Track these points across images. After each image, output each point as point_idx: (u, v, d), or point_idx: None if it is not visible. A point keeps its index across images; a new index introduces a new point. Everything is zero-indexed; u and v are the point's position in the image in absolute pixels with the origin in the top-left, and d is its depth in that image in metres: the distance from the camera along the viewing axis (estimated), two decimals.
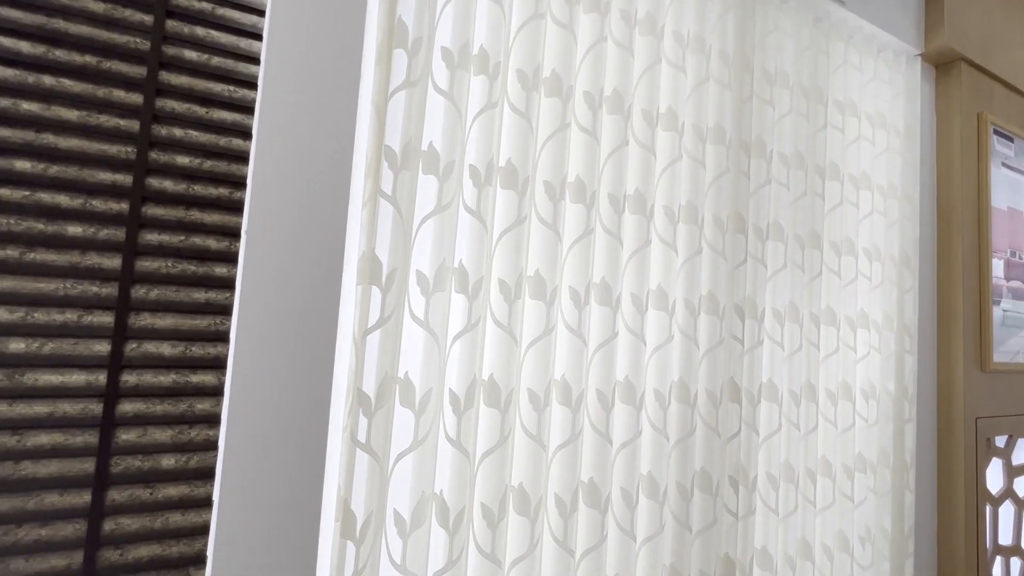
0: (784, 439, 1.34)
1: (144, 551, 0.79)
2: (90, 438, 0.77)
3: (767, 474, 1.30)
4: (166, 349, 0.82)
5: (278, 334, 0.85)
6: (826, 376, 1.43)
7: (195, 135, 0.84)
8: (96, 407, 0.77)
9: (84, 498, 0.76)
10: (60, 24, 0.77)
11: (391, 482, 0.90)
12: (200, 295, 0.84)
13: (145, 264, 0.81)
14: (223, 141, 0.86)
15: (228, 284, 0.85)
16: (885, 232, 1.54)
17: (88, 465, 0.76)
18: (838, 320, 1.44)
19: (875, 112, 1.54)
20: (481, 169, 0.98)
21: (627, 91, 1.12)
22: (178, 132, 0.83)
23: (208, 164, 0.85)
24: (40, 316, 0.75)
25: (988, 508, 1.65)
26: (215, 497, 0.80)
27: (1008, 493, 1.71)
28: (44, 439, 0.74)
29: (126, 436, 0.79)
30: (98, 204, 0.78)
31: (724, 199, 1.24)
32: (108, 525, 0.77)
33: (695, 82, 1.22)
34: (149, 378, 0.80)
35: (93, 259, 0.78)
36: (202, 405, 0.83)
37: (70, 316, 0.76)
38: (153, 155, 0.82)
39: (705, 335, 1.22)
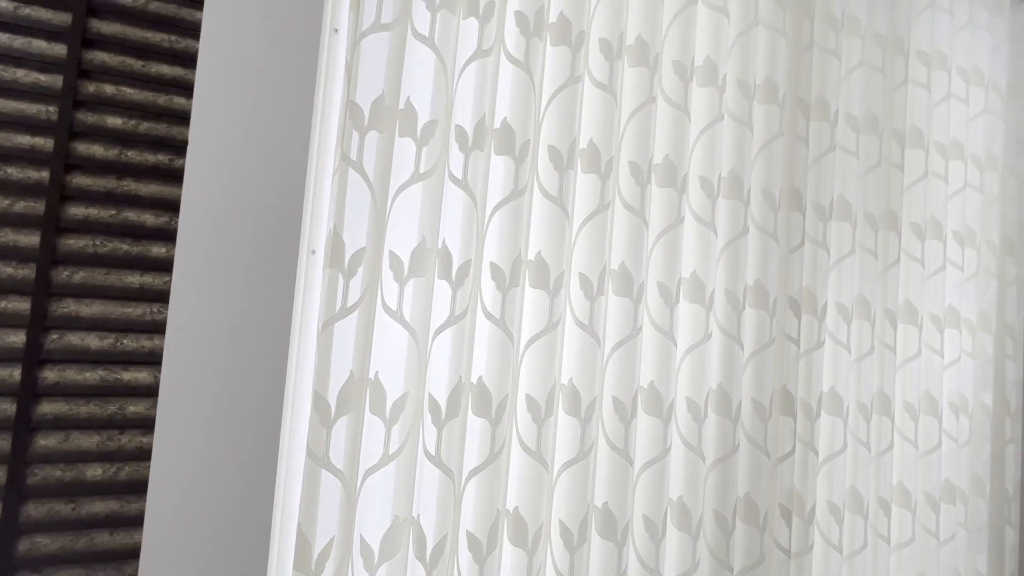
0: (850, 461, 1.11)
1: (65, 574, 0.68)
2: (1, 443, 0.66)
3: (828, 503, 1.08)
4: (92, 341, 0.70)
5: (220, 326, 0.72)
6: (904, 386, 1.18)
7: (129, 92, 0.72)
8: (9, 407, 0.67)
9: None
10: None
11: (358, 505, 0.75)
12: (134, 279, 0.72)
13: (69, 242, 0.69)
14: (162, 99, 0.74)
15: (167, 266, 0.73)
16: (981, 212, 1.27)
17: None
18: (920, 318, 1.19)
19: (969, 66, 1.27)
20: (469, 131, 0.82)
21: (654, 39, 0.93)
22: (109, 89, 0.72)
23: (144, 126, 0.73)
24: None
25: None
26: (145, 517, 0.68)
27: None
28: None
29: (45, 441, 0.68)
30: (14, 172, 0.68)
31: (776, 170, 1.03)
32: (23, 545, 0.67)
33: (740, 28, 1.01)
34: (72, 375, 0.69)
35: (7, 235, 0.67)
36: (135, 407, 0.71)
37: None
38: (79, 116, 0.70)
39: (751, 334, 1.01)
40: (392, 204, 0.78)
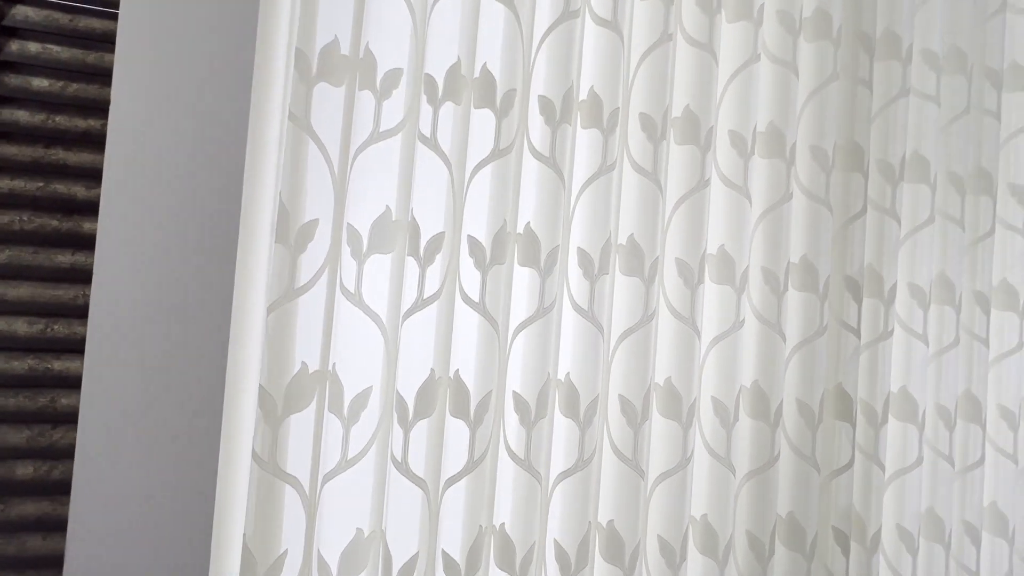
0: (927, 478, 0.91)
1: None
2: None
3: (897, 528, 0.89)
4: (21, 327, 0.64)
5: (149, 310, 0.64)
6: (999, 386, 0.96)
7: (56, 50, 0.65)
8: None
9: None
10: None
11: (318, 515, 0.66)
12: (64, 258, 0.66)
13: None
14: (92, 57, 0.66)
15: None
16: None
17: None
18: (1021, 303, 0.96)
19: None
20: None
21: None
22: (33, 47, 0.65)
23: (73, 88, 0.65)
24: None
25: None
26: (68, 525, 0.61)
27: None
28: None
29: None
30: None
31: (829, 122, 0.84)
32: None
33: None
34: None
35: None
36: (68, 400, 0.64)
37: None
38: (3, 78, 0.64)
39: (797, 321, 0.84)
40: (353, 164, 0.67)
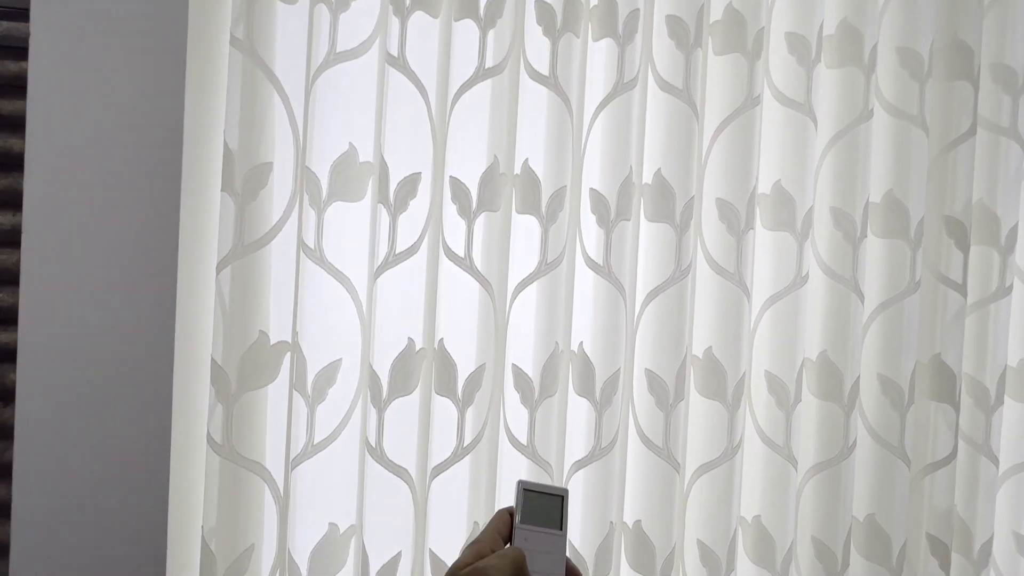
0: None
1: None
2: None
3: (1014, 536, 0.71)
4: None
5: (84, 273, 0.56)
6: None
7: None
8: None
9: None
10: None
11: (291, 503, 0.57)
12: (4, 219, 0.59)
13: None
14: None
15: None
16: None
17: None
18: None
19: None
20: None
21: None
22: None
23: (3, 27, 0.58)
24: None
25: None
26: (12, 512, 0.55)
27: None
28: None
29: None
30: None
31: (922, 18, 0.64)
32: None
33: None
34: None
35: None
36: (15, 375, 0.58)
37: None
38: None
39: (879, 276, 0.66)
40: (312, 93, 0.56)
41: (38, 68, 0.54)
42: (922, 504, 0.67)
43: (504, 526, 0.34)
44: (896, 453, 0.65)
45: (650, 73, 0.62)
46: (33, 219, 0.55)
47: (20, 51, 0.59)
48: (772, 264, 0.65)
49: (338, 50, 0.56)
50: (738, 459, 0.63)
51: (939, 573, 0.67)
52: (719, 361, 0.63)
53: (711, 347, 0.63)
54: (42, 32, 0.55)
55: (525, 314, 0.61)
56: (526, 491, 0.35)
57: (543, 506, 0.35)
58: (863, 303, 0.65)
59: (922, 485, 0.67)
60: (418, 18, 0.57)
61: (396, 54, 0.56)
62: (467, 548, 0.33)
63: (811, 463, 0.65)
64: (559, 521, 0.35)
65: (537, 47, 0.59)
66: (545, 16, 0.59)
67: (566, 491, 0.36)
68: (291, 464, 0.57)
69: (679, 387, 0.62)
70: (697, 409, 0.64)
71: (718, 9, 0.63)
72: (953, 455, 0.66)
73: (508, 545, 0.34)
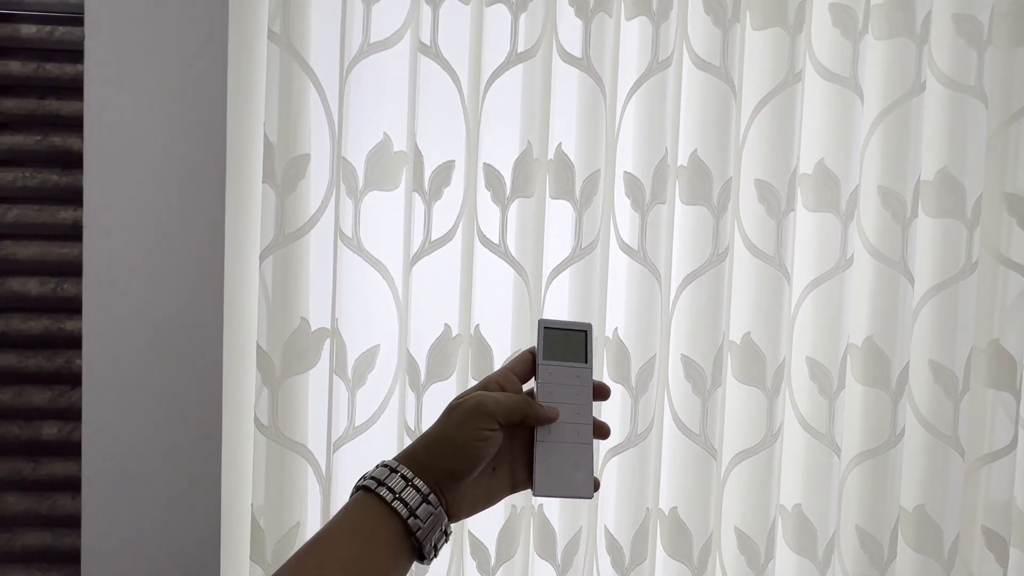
0: None
1: (33, 538, 0.63)
2: None
3: None
4: (33, 287, 0.62)
5: (140, 263, 0.59)
6: None
7: None
8: None
9: None
10: None
11: (333, 484, 0.59)
12: (67, 214, 0.63)
13: None
14: None
15: None
16: None
17: None
18: None
19: None
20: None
21: None
22: None
23: (60, 32, 0.61)
24: None
25: None
26: (82, 487, 0.59)
27: None
28: None
29: (0, 396, 0.62)
30: None
31: None
32: None
33: None
34: (17, 323, 0.62)
35: None
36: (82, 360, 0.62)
37: None
38: None
39: (931, 258, 0.63)
40: (346, 82, 0.57)
41: (93, 70, 0.57)
42: (977, 496, 0.64)
43: (521, 364, 0.33)
44: (949, 442, 0.62)
45: (685, 51, 0.60)
46: (93, 214, 0.59)
47: (76, 54, 0.62)
48: (814, 247, 0.63)
49: (371, 41, 0.56)
50: (777, 446, 0.62)
51: (996, 568, 0.64)
52: (758, 346, 0.62)
53: (749, 332, 0.62)
54: (96, 36, 0.58)
55: (560, 300, 0.61)
56: (547, 329, 0.34)
57: (566, 342, 0.34)
58: (913, 286, 0.62)
59: (977, 476, 0.64)
60: (450, 5, 0.57)
61: (428, 42, 0.57)
62: (478, 383, 0.33)
63: (855, 451, 0.63)
64: (583, 355, 0.34)
65: (569, 29, 0.58)
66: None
67: (589, 325, 0.35)
68: (333, 446, 0.59)
69: (716, 373, 0.61)
70: (735, 395, 0.63)
71: None
72: (1013, 445, 0.63)
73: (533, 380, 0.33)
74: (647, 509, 0.61)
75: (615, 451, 0.62)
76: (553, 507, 0.61)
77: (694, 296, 0.61)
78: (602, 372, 0.62)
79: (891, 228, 0.62)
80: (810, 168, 0.62)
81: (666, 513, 0.63)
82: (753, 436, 0.61)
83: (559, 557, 0.60)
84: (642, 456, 0.61)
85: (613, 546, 0.61)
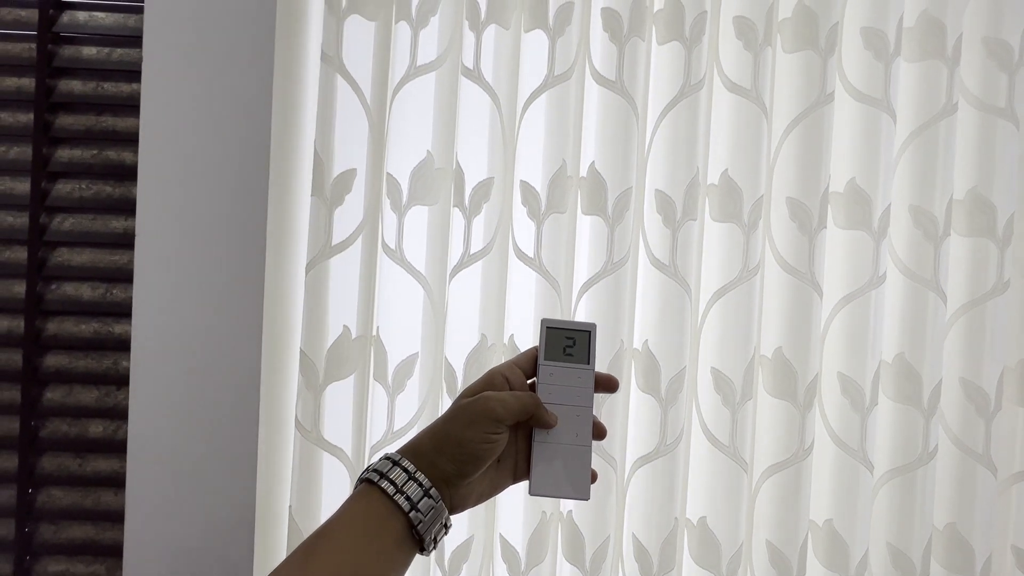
0: None
1: (77, 531, 0.65)
2: (10, 394, 0.65)
3: None
4: (85, 292, 0.65)
5: (188, 272, 0.62)
6: None
7: (101, 17, 0.64)
8: (15, 358, 0.65)
9: (9, 462, 0.65)
10: None
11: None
12: (118, 223, 0.66)
13: (58, 187, 0.65)
14: (133, 20, 0.65)
15: None
16: None
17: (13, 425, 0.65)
18: None
19: None
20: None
21: None
22: (82, 16, 0.65)
23: (118, 53, 0.65)
24: None
25: None
26: (127, 485, 0.61)
27: None
28: None
29: (51, 395, 0.65)
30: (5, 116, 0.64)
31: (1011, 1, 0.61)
32: (40, 497, 0.65)
33: None
34: (69, 326, 0.65)
35: (6, 183, 0.64)
36: (128, 362, 0.65)
37: None
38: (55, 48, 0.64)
39: (962, 276, 0.64)
40: (392, 102, 0.60)
41: (149, 89, 0.61)
42: (1008, 515, 0.64)
43: (526, 360, 0.34)
44: (981, 461, 0.62)
45: (716, 74, 0.62)
46: (144, 224, 0.62)
47: (132, 74, 0.66)
48: (846, 264, 0.63)
49: (418, 64, 0.59)
50: (809, 461, 0.62)
51: None
52: (789, 361, 0.62)
53: (781, 347, 0.63)
54: (153, 58, 0.61)
55: (591, 312, 0.62)
56: (549, 328, 0.34)
57: (569, 342, 0.34)
58: (945, 304, 0.62)
59: (1009, 495, 0.64)
60: (492, 31, 0.59)
61: (472, 66, 0.59)
62: (483, 376, 0.33)
63: (886, 468, 0.64)
64: (586, 355, 0.34)
65: (603, 52, 0.61)
66: (611, 22, 0.60)
67: (593, 325, 0.34)
68: (371, 451, 0.61)
69: (747, 386, 0.62)
70: (766, 409, 0.64)
71: (787, 7, 0.62)
72: None
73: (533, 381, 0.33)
74: (675, 518, 0.62)
75: (644, 460, 0.63)
76: (582, 513, 0.62)
77: (724, 310, 0.62)
78: (630, 382, 0.64)
79: (923, 246, 0.62)
80: (841, 187, 0.63)
81: (695, 523, 0.63)
82: (785, 450, 0.62)
83: (588, 563, 0.61)
84: (671, 466, 0.62)
85: (641, 553, 0.62)
